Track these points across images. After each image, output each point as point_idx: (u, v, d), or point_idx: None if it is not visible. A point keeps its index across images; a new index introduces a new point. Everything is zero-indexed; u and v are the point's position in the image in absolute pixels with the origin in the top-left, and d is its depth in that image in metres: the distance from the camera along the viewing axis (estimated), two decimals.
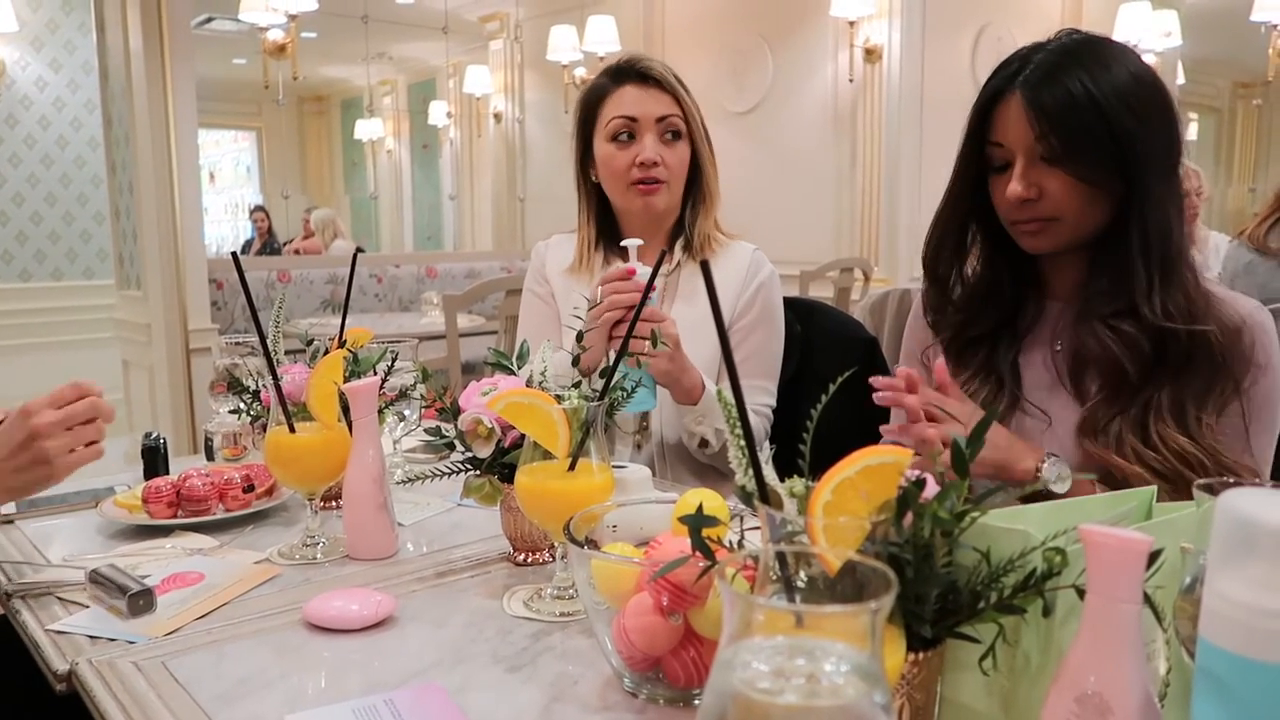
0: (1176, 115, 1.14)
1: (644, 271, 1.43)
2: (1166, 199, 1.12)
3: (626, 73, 1.63)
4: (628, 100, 1.62)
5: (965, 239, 1.25)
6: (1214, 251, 3.42)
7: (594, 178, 1.68)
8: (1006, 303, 1.24)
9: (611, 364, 1.07)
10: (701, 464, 1.63)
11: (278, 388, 1.14)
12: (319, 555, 1.15)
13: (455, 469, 1.15)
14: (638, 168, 1.60)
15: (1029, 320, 1.25)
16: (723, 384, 1.58)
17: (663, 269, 1.68)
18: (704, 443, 1.55)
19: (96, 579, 1.01)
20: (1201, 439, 1.10)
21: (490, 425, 1.08)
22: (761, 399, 1.65)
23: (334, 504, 1.30)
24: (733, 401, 0.68)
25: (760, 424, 1.65)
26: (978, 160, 1.19)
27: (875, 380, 1.07)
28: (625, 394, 1.19)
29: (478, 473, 1.13)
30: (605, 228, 1.71)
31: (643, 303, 1.17)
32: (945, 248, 1.26)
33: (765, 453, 0.69)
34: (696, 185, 1.67)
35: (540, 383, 1.13)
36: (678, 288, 1.68)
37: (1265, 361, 1.14)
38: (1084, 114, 1.09)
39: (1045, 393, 1.21)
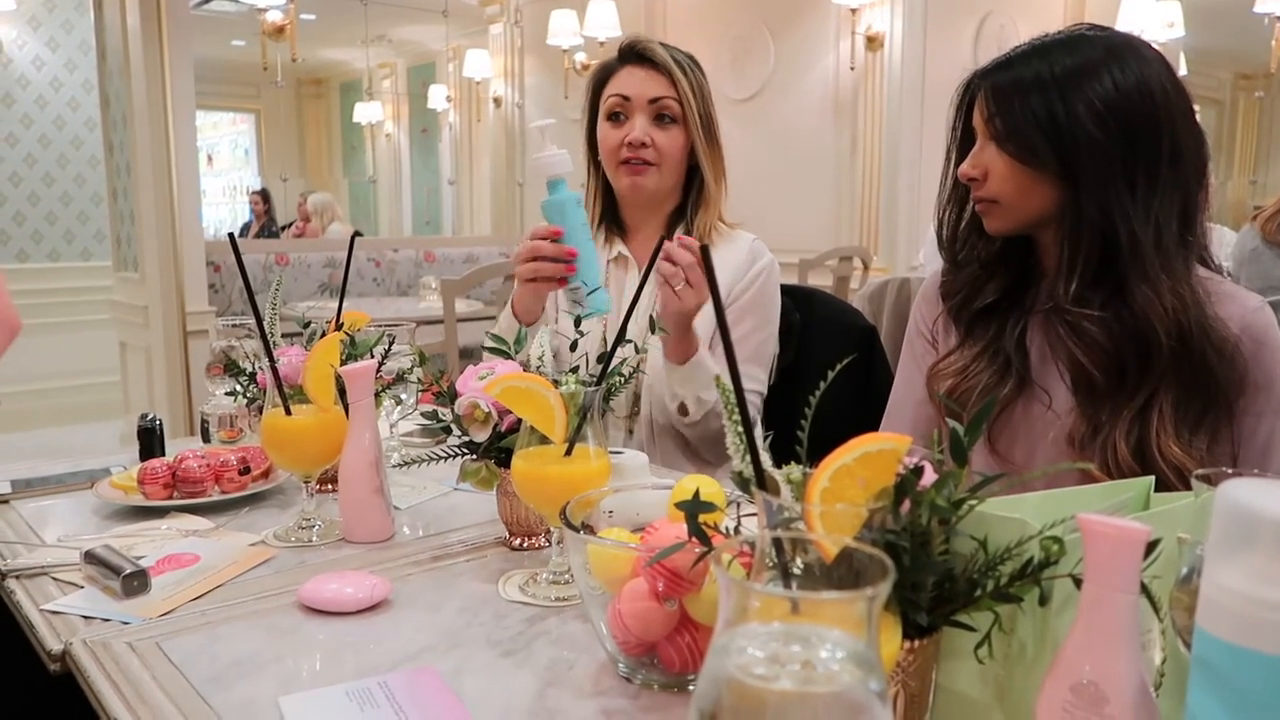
0: (1163, 130, 1.10)
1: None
2: (1112, 200, 1.10)
3: (628, 53, 1.65)
4: (624, 80, 1.64)
5: (963, 218, 1.27)
6: (1217, 243, 3.41)
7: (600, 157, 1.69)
8: (1007, 276, 1.25)
9: (609, 349, 1.06)
10: (691, 445, 1.63)
11: (274, 370, 1.14)
12: (314, 538, 1.15)
13: (452, 453, 1.14)
14: (626, 147, 1.61)
15: (1032, 297, 1.25)
16: (720, 368, 1.58)
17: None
18: (683, 409, 1.53)
19: (91, 559, 1.01)
20: (1191, 461, 1.06)
21: (487, 410, 1.08)
22: (748, 385, 1.65)
23: (330, 487, 1.30)
24: (731, 388, 0.68)
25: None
26: (963, 142, 1.23)
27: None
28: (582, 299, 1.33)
29: (474, 457, 1.12)
30: (609, 208, 1.72)
31: (638, 292, 1.15)
32: (948, 226, 1.29)
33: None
34: (697, 177, 1.67)
35: (538, 367, 1.13)
36: None
37: (1268, 382, 1.11)
38: (1028, 96, 1.12)
39: (1045, 370, 1.22)
